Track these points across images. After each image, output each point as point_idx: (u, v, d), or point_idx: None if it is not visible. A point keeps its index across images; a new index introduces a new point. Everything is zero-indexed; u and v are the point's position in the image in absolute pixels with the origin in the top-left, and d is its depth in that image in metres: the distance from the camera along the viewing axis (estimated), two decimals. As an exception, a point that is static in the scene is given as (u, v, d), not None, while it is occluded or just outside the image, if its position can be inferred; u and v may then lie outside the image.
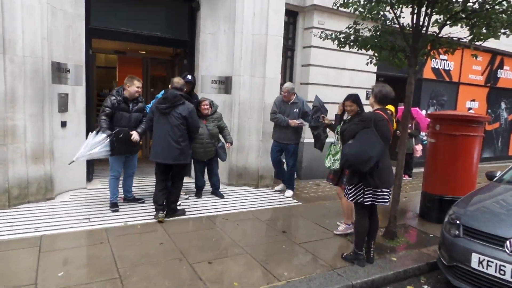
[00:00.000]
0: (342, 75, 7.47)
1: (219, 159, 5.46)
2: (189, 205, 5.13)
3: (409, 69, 4.22)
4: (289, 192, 5.96)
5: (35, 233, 3.88)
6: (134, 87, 4.56)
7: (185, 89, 5.03)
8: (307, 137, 7.16)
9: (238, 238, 4.07)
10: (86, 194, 5.33)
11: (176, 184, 4.62)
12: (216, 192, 5.63)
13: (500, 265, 2.91)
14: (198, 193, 5.58)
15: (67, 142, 5.21)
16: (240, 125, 6.11)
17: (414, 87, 4.37)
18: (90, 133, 4.55)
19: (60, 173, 5.13)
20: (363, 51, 4.67)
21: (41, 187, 4.82)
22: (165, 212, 4.50)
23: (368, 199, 3.47)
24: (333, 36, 4.56)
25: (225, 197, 5.59)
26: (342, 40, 4.52)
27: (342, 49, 4.66)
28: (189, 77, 5.11)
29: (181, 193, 5.52)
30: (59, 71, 4.97)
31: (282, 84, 6.17)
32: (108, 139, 4.39)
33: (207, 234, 4.15)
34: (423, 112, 8.57)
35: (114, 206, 4.72)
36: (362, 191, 3.48)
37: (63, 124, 5.17)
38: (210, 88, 6.28)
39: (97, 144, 4.38)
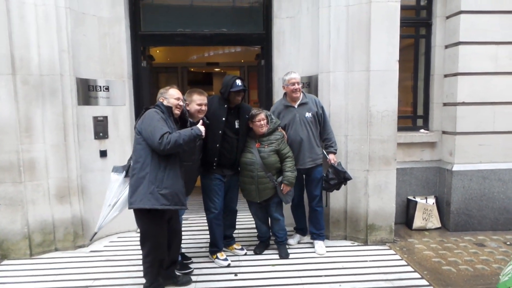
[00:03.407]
0: (525, 54, 4.36)
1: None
2: (235, 274, 3.35)
3: None
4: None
5: (4, 307, 2.89)
6: (194, 104, 3.20)
7: (235, 100, 3.44)
8: (458, 161, 4.38)
9: None
10: (128, 242, 4.21)
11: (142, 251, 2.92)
12: (279, 247, 3.69)
13: None
14: (259, 246, 3.80)
15: (108, 175, 4.26)
16: (333, 147, 3.99)
17: None
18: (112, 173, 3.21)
19: (99, 213, 4.19)
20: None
21: (68, 232, 3.95)
22: None
23: None
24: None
25: (298, 258, 3.59)
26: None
27: None
28: (238, 82, 3.39)
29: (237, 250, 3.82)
30: (89, 90, 4.09)
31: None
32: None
33: None
34: None
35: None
36: None
37: (103, 153, 4.25)
38: (291, 94, 4.41)
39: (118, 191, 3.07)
